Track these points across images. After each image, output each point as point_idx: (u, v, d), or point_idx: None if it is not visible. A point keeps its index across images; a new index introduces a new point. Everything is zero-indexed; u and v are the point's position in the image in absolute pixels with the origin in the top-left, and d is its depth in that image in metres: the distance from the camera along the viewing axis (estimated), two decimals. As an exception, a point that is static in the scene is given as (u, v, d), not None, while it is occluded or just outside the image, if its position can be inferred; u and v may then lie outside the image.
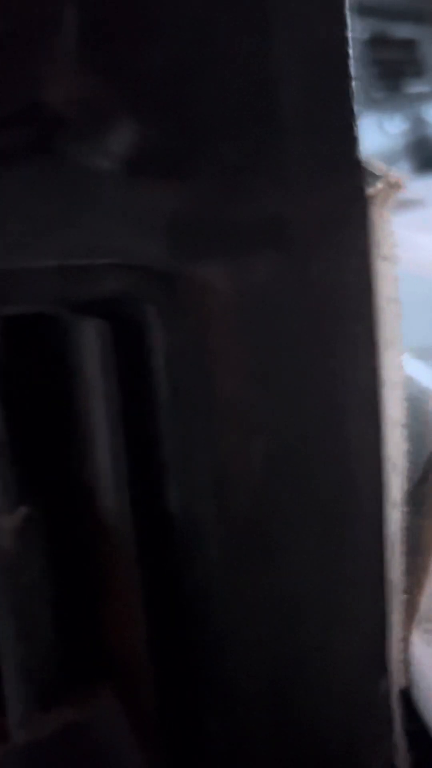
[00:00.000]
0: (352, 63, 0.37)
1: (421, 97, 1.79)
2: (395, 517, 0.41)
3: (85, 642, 0.43)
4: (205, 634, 0.41)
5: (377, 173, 0.38)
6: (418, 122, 1.77)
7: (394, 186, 0.38)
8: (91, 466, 0.40)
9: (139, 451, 0.39)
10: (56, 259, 0.35)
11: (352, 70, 0.37)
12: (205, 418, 0.38)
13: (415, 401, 0.42)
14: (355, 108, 0.37)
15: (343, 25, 0.37)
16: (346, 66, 0.37)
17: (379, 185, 0.37)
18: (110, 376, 0.38)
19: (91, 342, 0.38)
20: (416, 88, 1.79)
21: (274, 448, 0.39)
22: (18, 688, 0.40)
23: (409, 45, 1.76)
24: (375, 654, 0.43)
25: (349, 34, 0.37)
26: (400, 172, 0.38)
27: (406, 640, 0.42)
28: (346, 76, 0.37)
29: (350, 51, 0.37)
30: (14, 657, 0.40)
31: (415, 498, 0.42)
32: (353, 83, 0.37)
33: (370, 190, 0.37)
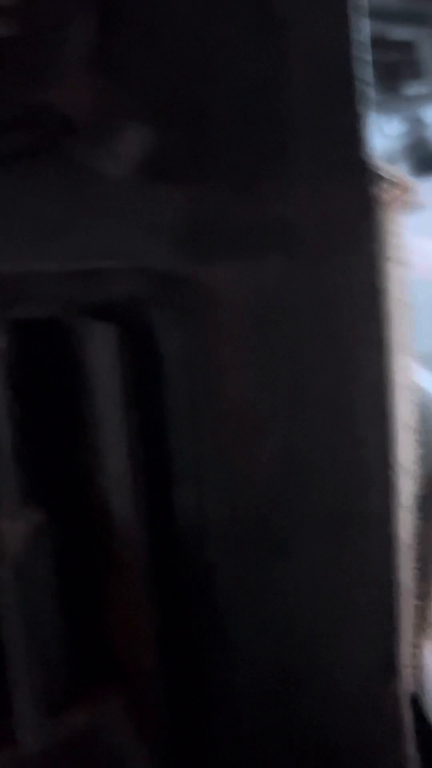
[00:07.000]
0: (357, 66, 0.37)
1: (419, 99, 1.80)
2: (406, 520, 0.41)
3: (93, 646, 0.43)
4: (214, 638, 0.41)
5: (387, 176, 0.38)
6: (416, 124, 1.78)
7: (404, 189, 0.38)
8: (100, 470, 0.40)
9: (149, 454, 0.39)
10: (66, 263, 0.35)
11: (358, 74, 0.37)
12: (215, 420, 0.38)
13: (423, 409, 0.42)
14: (362, 111, 0.38)
15: (348, 30, 0.37)
16: (351, 70, 0.37)
17: (389, 188, 0.37)
18: (120, 379, 0.38)
19: (101, 346, 0.38)
20: (414, 89, 1.80)
21: (283, 451, 0.39)
22: (26, 692, 0.40)
23: (407, 47, 1.76)
24: (385, 657, 0.43)
25: (355, 38, 0.37)
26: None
27: (417, 645, 0.42)
28: (351, 80, 0.37)
29: (355, 55, 0.37)
30: (23, 662, 0.40)
31: (425, 505, 0.41)
32: (359, 86, 0.37)
33: (379, 194, 0.37)
